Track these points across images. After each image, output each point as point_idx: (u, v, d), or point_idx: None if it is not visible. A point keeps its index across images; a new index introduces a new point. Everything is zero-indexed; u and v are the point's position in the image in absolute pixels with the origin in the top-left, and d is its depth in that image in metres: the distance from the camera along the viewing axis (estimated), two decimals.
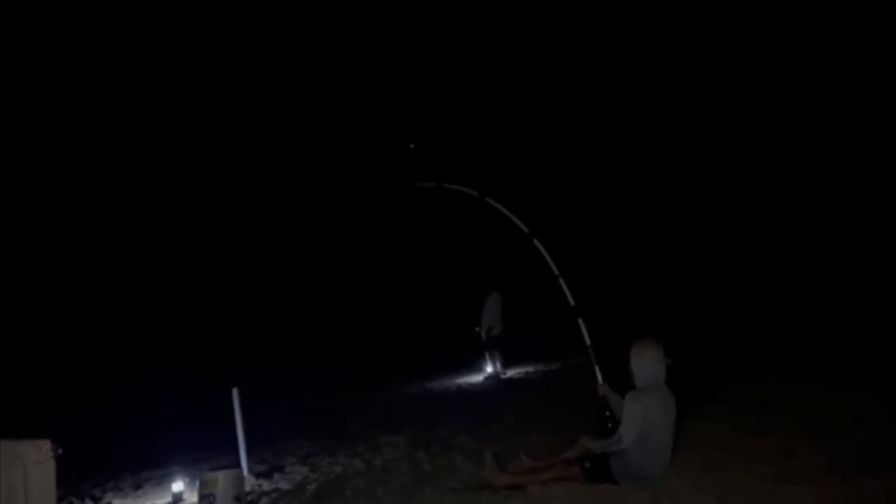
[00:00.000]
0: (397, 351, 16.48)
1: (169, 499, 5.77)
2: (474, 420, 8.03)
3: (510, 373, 12.06)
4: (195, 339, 15.67)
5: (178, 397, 10.98)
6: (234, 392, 6.64)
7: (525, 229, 5.86)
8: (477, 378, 12.11)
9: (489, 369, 12.14)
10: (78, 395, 12.66)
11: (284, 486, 6.08)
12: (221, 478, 4.68)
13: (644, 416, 4.63)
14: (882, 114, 15.48)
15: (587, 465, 4.85)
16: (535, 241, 5.82)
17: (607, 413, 5.10)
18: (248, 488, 6.09)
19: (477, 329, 12.41)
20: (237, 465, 6.55)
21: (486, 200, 6.03)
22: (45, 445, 4.28)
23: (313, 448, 7.63)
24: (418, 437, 7.44)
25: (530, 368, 12.29)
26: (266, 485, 6.16)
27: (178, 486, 5.71)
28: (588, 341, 5.60)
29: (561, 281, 5.70)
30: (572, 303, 5.64)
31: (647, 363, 4.76)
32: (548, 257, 5.77)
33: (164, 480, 6.02)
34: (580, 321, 5.62)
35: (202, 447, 7.62)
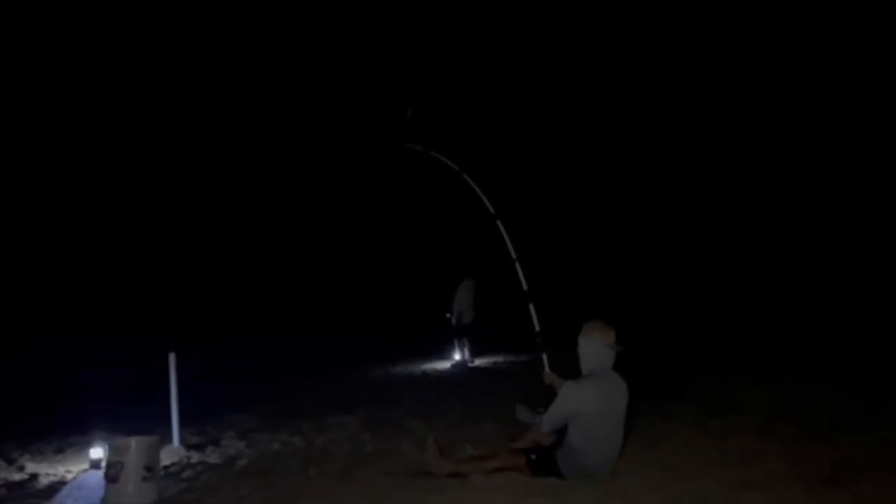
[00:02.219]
0: (363, 333, 16.12)
1: (86, 465, 5.36)
2: (431, 406, 7.69)
3: (478, 361, 11.71)
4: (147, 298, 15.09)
5: (128, 363, 10.55)
6: (171, 357, 6.22)
7: (492, 210, 5.61)
8: (444, 365, 11.75)
9: (457, 357, 11.79)
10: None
11: (214, 459, 5.69)
12: (133, 445, 4.27)
13: (576, 408, 4.27)
14: (871, 114, 15.27)
15: (533, 456, 4.49)
16: (499, 223, 5.52)
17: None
18: (175, 459, 5.71)
19: (448, 315, 12.04)
20: (172, 435, 6.17)
21: (463, 176, 5.74)
22: None
23: (257, 423, 7.23)
24: (369, 418, 7.07)
25: (499, 358, 11.97)
26: (195, 457, 5.76)
27: (97, 452, 5.30)
28: (537, 328, 5.28)
29: (517, 265, 5.44)
30: (525, 287, 5.35)
31: (594, 346, 4.38)
32: (508, 240, 5.49)
33: (87, 446, 5.60)
34: (531, 307, 5.33)
35: (143, 415, 7.20)
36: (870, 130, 15.70)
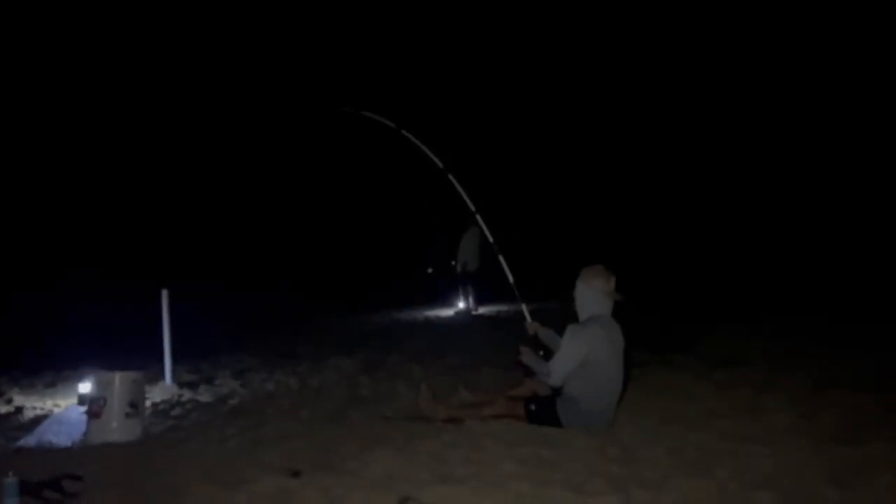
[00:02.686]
0: (366, 279, 16.00)
1: (75, 399, 5.27)
2: (432, 351, 7.57)
3: (482, 310, 11.58)
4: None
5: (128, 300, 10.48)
6: (163, 294, 6.09)
7: (440, 164, 5.31)
8: (447, 312, 11.63)
9: (461, 304, 11.66)
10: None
11: (205, 398, 5.59)
12: (117, 380, 4.14)
13: (583, 354, 4.07)
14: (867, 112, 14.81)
15: (532, 406, 4.33)
16: (451, 177, 5.26)
17: (541, 353, 4.53)
18: (167, 397, 5.62)
19: (453, 263, 11.85)
20: (164, 372, 6.08)
21: (403, 133, 5.40)
22: None
23: (253, 363, 7.14)
24: (367, 361, 6.96)
25: (503, 307, 11.80)
26: (187, 395, 5.66)
27: (85, 387, 5.18)
28: (511, 279, 5.02)
29: (477, 217, 5.21)
30: (491, 239, 5.13)
31: (593, 291, 4.16)
32: (463, 193, 5.24)
33: (78, 381, 5.50)
34: (501, 258, 5.07)
35: (139, 351, 7.12)
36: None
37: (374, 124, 5.46)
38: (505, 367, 5.92)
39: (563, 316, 4.35)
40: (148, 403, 5.26)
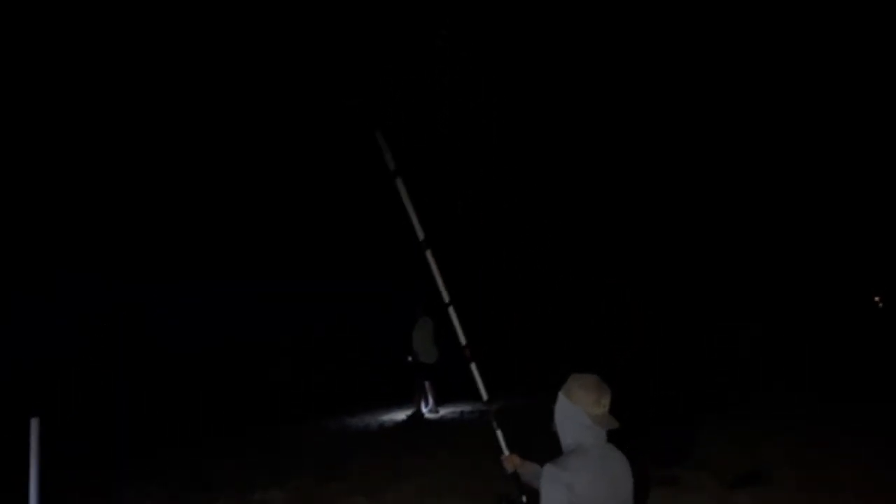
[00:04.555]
0: (323, 374, 14.44)
1: None
2: (383, 473, 6.20)
3: (443, 411, 10.24)
4: None
5: None
6: (34, 423, 4.66)
7: (421, 234, 3.86)
8: (404, 415, 10.24)
9: (422, 405, 10.29)
10: None
11: None
12: None
13: (570, 501, 2.83)
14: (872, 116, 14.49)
15: None
16: (428, 254, 3.81)
17: (524, 499, 3.27)
18: None
19: (409, 358, 10.55)
20: None
21: (397, 182, 4.08)
22: None
23: (159, 501, 5.66)
24: (303, 492, 5.57)
25: (467, 407, 10.48)
26: None
27: None
28: (484, 395, 3.68)
29: (450, 309, 3.75)
30: (463, 341, 3.73)
31: (575, 412, 2.93)
32: (438, 277, 3.79)
33: None
34: (472, 366, 3.69)
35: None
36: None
37: (375, 154, 4.10)
38: (479, 496, 4.66)
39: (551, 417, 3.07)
40: None
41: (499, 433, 3.56)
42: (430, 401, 10.30)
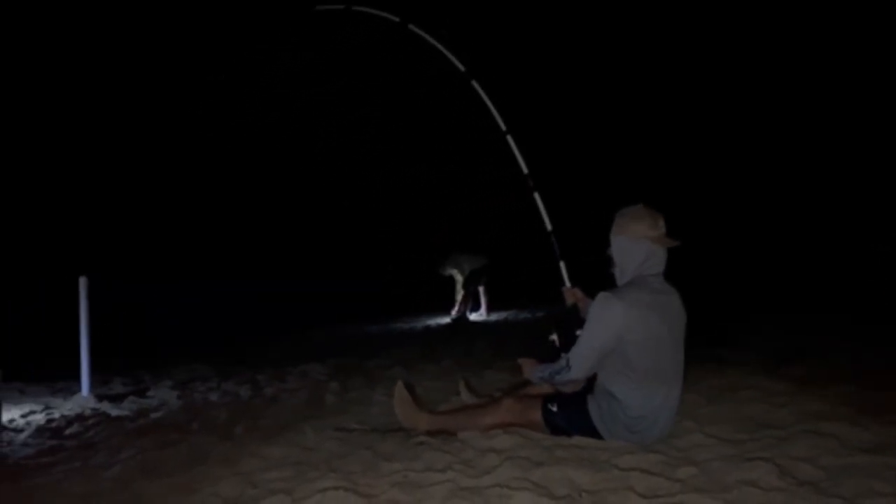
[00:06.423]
0: (366, 285, 14.57)
1: None
2: (423, 355, 6.23)
3: (489, 315, 10.25)
4: None
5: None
6: (82, 282, 4.81)
7: (461, 67, 3.80)
8: (449, 318, 10.28)
9: (463, 309, 10.30)
10: None
11: (120, 412, 4.27)
12: None
13: (615, 334, 2.71)
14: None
15: (553, 407, 2.99)
16: (474, 83, 3.74)
17: (578, 332, 3.16)
18: (71, 412, 4.30)
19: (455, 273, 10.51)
20: (81, 382, 4.77)
21: (410, 28, 3.95)
22: None
23: (205, 372, 5.82)
24: (344, 367, 5.65)
25: (512, 313, 10.45)
26: (102, 409, 4.34)
27: None
28: (549, 226, 3.57)
29: (509, 138, 3.65)
30: (525, 170, 3.63)
31: (635, 243, 2.79)
32: (493, 109, 3.70)
33: None
34: (536, 195, 3.59)
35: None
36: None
37: (371, 23, 4.00)
38: (512, 370, 4.61)
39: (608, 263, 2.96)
40: (38, 418, 3.96)
41: (562, 264, 3.49)
42: (483, 306, 10.32)
